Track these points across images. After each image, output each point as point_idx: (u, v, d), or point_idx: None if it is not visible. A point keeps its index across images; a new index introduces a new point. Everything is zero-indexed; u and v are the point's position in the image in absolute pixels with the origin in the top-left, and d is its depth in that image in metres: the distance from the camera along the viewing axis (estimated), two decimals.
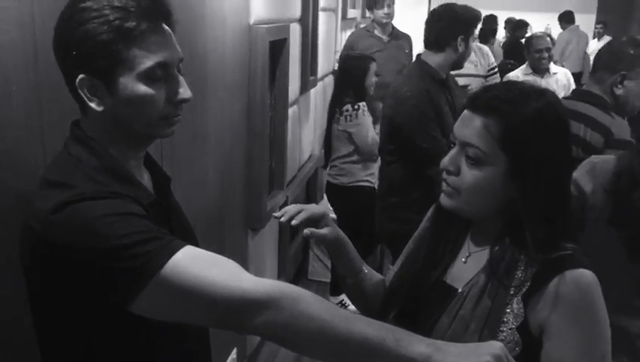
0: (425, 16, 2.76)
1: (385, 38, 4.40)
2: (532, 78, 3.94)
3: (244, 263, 2.63)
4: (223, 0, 2.11)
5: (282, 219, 1.16)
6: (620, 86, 2.05)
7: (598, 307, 1.03)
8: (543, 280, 1.04)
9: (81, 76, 0.95)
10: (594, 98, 2.10)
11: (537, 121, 1.05)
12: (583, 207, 1.64)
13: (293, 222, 1.16)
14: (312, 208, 1.19)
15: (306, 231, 1.16)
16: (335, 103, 3.51)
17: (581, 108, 2.06)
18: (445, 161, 1.12)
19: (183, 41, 1.26)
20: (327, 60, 4.41)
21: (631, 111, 2.15)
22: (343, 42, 4.78)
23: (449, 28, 2.49)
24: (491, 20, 7.75)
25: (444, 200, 1.14)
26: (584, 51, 8.25)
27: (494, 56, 7.03)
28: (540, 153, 1.05)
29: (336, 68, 4.61)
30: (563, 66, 5.23)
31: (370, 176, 3.48)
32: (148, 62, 0.95)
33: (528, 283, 1.06)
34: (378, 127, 3.13)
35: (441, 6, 2.61)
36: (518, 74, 4.22)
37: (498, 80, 4.16)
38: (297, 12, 3.28)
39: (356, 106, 3.38)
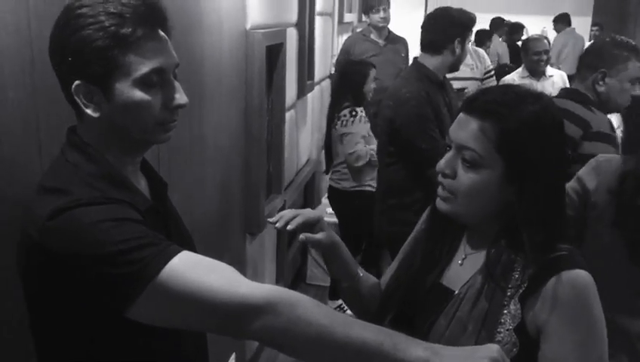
0: (421, 20, 2.79)
1: (381, 42, 4.41)
2: (528, 82, 3.95)
3: (242, 268, 2.62)
4: (220, 5, 2.12)
5: (278, 224, 1.16)
6: (601, 83, 2.12)
7: (594, 307, 1.03)
8: (539, 282, 1.05)
9: (77, 82, 0.95)
10: (579, 95, 2.16)
11: (533, 124, 1.05)
12: (586, 204, 1.66)
13: (289, 227, 1.15)
14: (307, 213, 1.19)
15: (302, 236, 1.16)
16: (334, 108, 3.52)
17: (563, 105, 2.11)
18: (441, 163, 1.12)
19: (180, 46, 1.26)
20: (323, 64, 4.42)
21: (614, 108, 2.22)
22: (340, 46, 4.79)
23: (446, 31, 2.53)
24: (497, 23, 7.79)
25: (440, 204, 1.14)
26: (580, 54, 8.24)
27: (500, 57, 7.05)
28: (536, 156, 1.05)
29: (332, 72, 4.62)
30: (559, 69, 5.23)
31: (372, 180, 3.47)
32: (144, 68, 0.95)
33: (525, 285, 1.06)
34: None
35: (438, 10, 2.66)
36: (515, 77, 4.23)
37: (494, 83, 4.17)
38: (294, 17, 3.28)
39: (354, 112, 3.38)
